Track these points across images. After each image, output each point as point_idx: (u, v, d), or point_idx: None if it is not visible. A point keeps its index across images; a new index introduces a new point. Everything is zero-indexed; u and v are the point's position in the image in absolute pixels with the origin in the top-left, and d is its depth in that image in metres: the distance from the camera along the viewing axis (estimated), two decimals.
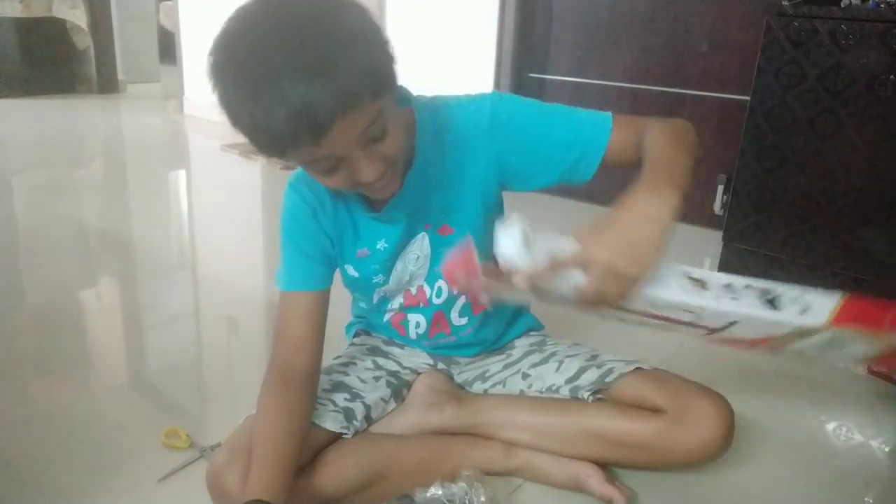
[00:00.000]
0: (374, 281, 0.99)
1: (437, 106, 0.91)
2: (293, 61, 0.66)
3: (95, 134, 3.90)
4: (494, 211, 0.97)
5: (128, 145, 3.66)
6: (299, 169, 0.90)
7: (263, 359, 1.43)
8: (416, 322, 1.03)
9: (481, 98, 0.91)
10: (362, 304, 1.10)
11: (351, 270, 0.98)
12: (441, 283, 0.99)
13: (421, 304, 1.01)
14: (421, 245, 0.97)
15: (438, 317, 1.02)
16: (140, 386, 1.29)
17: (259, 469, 0.79)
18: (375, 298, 1.03)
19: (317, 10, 0.69)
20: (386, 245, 0.95)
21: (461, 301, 1.01)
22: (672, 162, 0.80)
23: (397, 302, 1.03)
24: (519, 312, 1.17)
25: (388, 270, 0.98)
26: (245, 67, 0.69)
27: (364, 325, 1.15)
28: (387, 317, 1.05)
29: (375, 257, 0.96)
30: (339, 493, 0.87)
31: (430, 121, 0.89)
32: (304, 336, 0.92)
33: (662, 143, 0.82)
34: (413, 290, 1.01)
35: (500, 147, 0.89)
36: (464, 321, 1.03)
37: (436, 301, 1.00)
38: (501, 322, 1.11)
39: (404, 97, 0.87)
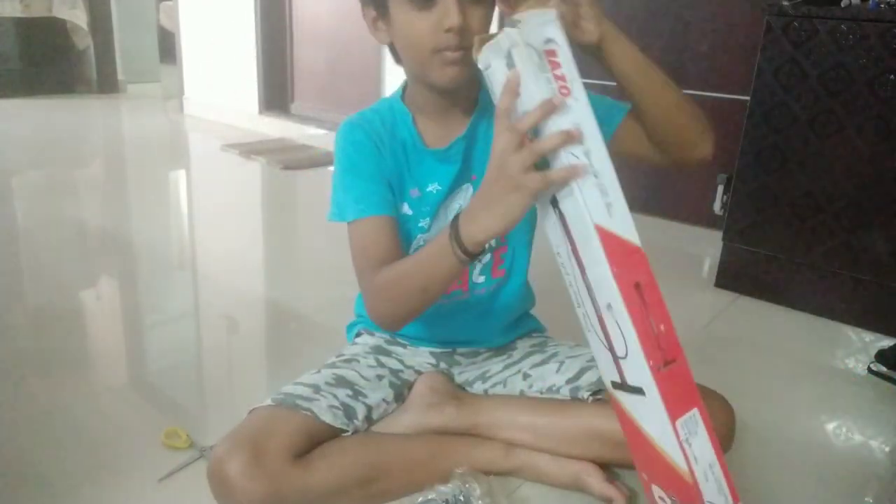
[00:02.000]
0: (420, 224, 1.00)
1: None
2: None
3: (95, 134, 3.90)
4: None
5: (128, 145, 3.66)
6: (350, 117, 0.97)
7: (263, 359, 1.45)
8: None
9: None
10: None
11: (405, 209, 0.99)
12: None
13: None
14: (465, 196, 1.00)
15: (464, 271, 1.03)
16: (140, 386, 1.29)
17: (427, 250, 0.83)
18: (413, 247, 1.02)
19: None
20: (439, 187, 0.98)
21: (485, 259, 1.04)
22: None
23: None
24: (523, 314, 1.17)
25: (433, 215, 1.00)
26: None
27: (366, 325, 1.15)
28: None
29: (426, 199, 0.98)
30: (338, 485, 0.88)
31: None
32: (393, 253, 0.92)
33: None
34: None
35: None
36: (481, 280, 1.05)
37: None
38: (505, 317, 1.12)
39: None
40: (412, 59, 0.91)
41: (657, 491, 0.77)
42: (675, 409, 0.68)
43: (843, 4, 1.47)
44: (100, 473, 1.00)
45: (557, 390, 1.02)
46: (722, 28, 2.14)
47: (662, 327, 0.68)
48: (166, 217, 2.43)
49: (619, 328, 0.69)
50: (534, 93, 0.66)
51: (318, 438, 0.90)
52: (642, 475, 0.79)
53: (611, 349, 0.72)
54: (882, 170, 1.46)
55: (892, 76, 1.41)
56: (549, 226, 0.75)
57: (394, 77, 3.00)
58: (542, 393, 1.04)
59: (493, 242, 1.04)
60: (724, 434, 0.92)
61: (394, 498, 0.92)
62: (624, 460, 0.97)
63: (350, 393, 0.97)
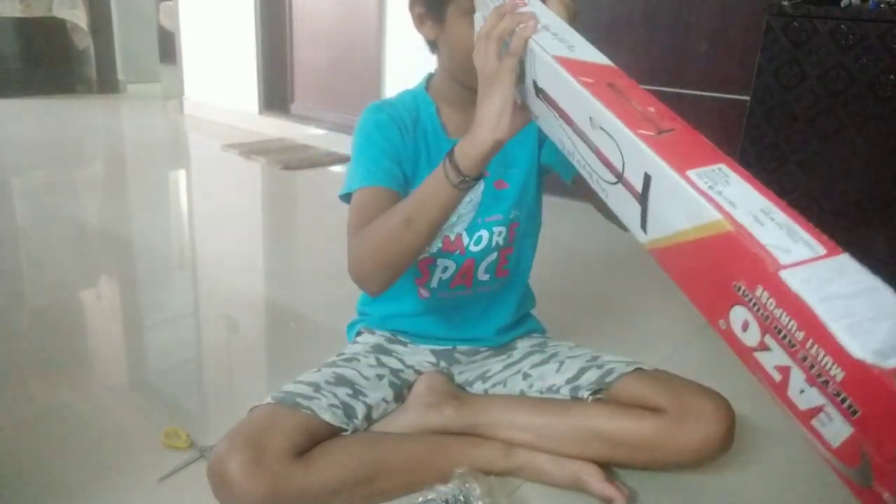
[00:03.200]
0: None
1: None
2: None
3: (95, 134, 3.90)
4: (538, 178, 1.05)
5: (128, 145, 3.66)
6: (376, 103, 1.00)
7: (263, 359, 1.45)
8: (445, 267, 1.05)
9: None
10: None
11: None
12: (481, 232, 1.03)
13: (457, 252, 1.04)
14: (476, 189, 1.00)
15: (467, 266, 1.05)
16: (140, 386, 1.29)
17: (421, 187, 0.82)
18: None
19: None
20: None
21: (492, 258, 1.05)
22: None
23: (435, 246, 1.04)
24: (523, 315, 1.18)
25: None
26: None
27: (367, 323, 1.15)
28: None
29: None
30: (338, 484, 0.88)
31: None
32: None
33: None
34: (451, 237, 1.03)
35: None
36: (486, 278, 1.07)
37: (473, 249, 1.04)
38: (505, 317, 1.13)
39: None
40: (461, 64, 0.91)
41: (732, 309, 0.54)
42: (683, 163, 0.55)
43: (843, 4, 1.47)
44: (100, 473, 1.00)
45: (557, 390, 1.02)
46: (722, 28, 2.14)
47: (652, 109, 0.61)
48: (166, 217, 2.43)
49: (610, 136, 0.59)
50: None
51: (317, 437, 0.90)
52: (703, 308, 0.61)
53: (618, 176, 0.61)
54: (882, 170, 1.46)
55: (892, 76, 1.41)
56: (545, 122, 0.73)
57: (394, 77, 3.00)
58: (541, 393, 1.04)
59: (500, 241, 1.05)
60: (724, 434, 0.92)
61: (393, 497, 0.92)
62: (624, 460, 0.98)
63: (350, 392, 0.97)
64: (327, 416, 0.91)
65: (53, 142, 3.46)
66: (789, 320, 0.47)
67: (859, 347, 0.43)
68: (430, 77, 1.04)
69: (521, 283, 1.13)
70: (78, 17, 4.66)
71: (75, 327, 1.50)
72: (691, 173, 0.54)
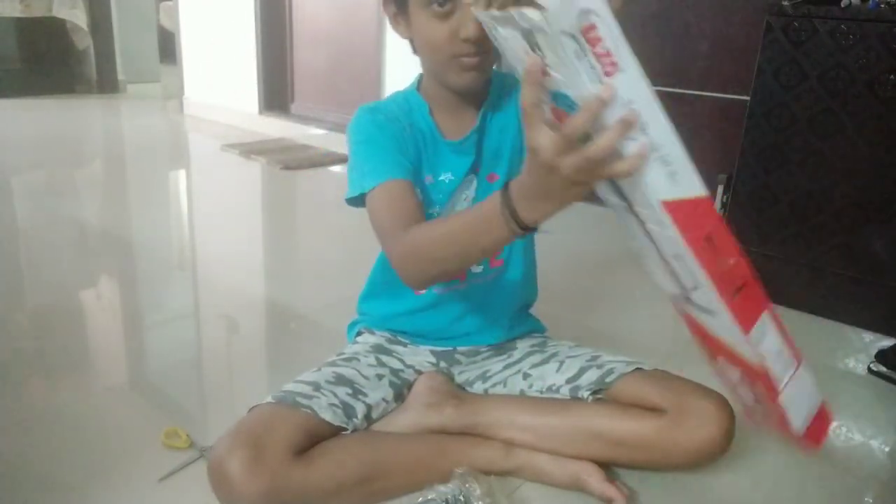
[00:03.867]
0: (430, 212, 1.01)
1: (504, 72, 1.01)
2: None
3: (95, 134, 3.90)
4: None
5: (128, 145, 3.66)
6: (367, 104, 0.99)
7: (263, 359, 1.45)
8: None
9: None
10: None
11: (417, 193, 0.99)
12: None
13: None
14: (470, 186, 1.01)
15: None
16: (140, 386, 1.29)
17: (470, 215, 0.77)
18: None
19: None
20: (451, 177, 1.00)
21: None
22: None
23: None
24: (523, 313, 1.17)
25: (444, 204, 1.01)
26: None
27: (367, 324, 1.15)
28: None
29: (438, 187, 1.00)
30: (338, 483, 0.88)
31: (501, 79, 1.00)
32: (416, 212, 0.89)
33: None
34: None
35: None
36: (479, 269, 1.06)
37: None
38: (504, 309, 1.12)
39: None
40: (430, 60, 0.94)
41: (723, 363, 0.77)
42: (747, 324, 0.68)
43: (843, 4, 1.47)
44: (100, 473, 1.00)
45: (557, 390, 1.02)
46: (722, 28, 2.14)
47: (732, 261, 0.65)
48: (166, 217, 2.43)
49: (690, 270, 0.64)
50: (577, 84, 0.56)
51: (317, 436, 0.90)
52: (708, 351, 0.80)
53: (678, 282, 0.68)
54: (882, 170, 1.46)
55: (892, 76, 1.41)
56: (618, 216, 0.71)
57: (394, 77, 3.00)
58: (541, 392, 1.04)
59: None
60: (724, 435, 0.92)
61: (393, 497, 0.92)
62: (624, 460, 0.98)
63: (350, 391, 0.97)
64: (327, 416, 0.91)
65: (53, 142, 3.45)
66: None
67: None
68: (420, 77, 1.03)
69: (519, 273, 1.11)
70: (78, 17, 4.66)
71: (75, 327, 1.50)
72: (750, 334, 0.70)
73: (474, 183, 1.02)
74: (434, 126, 1.00)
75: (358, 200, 0.94)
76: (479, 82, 0.92)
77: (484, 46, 0.85)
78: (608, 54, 0.57)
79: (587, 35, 0.56)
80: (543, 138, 0.59)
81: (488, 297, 1.10)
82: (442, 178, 1.00)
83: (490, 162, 1.02)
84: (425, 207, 1.00)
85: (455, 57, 0.88)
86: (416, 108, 1.00)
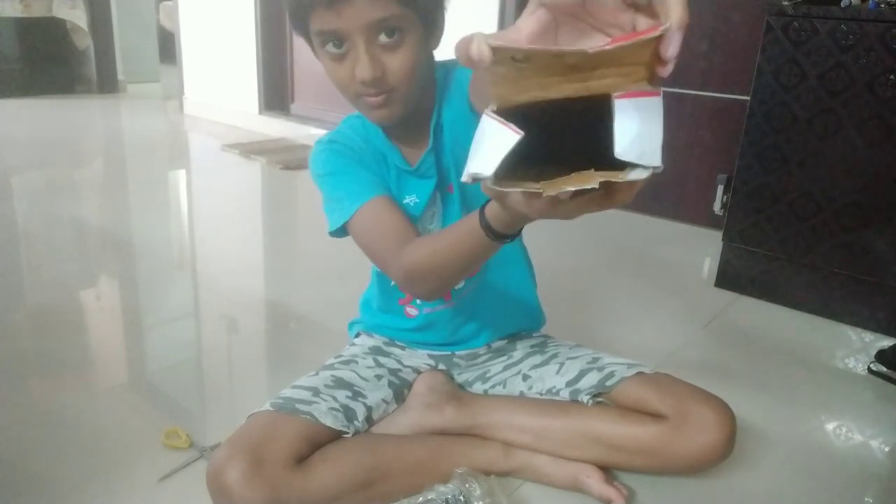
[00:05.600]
0: None
1: (454, 65, 0.93)
2: None
3: (95, 134, 3.90)
4: None
5: (128, 145, 3.66)
6: (325, 136, 0.97)
7: (263, 359, 1.45)
8: None
9: None
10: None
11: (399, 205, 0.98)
12: None
13: None
14: (438, 205, 0.99)
15: None
16: (140, 386, 1.29)
17: (455, 229, 0.78)
18: None
19: None
20: (416, 200, 0.98)
21: None
22: None
23: None
24: (519, 306, 1.16)
25: (415, 224, 0.97)
26: None
27: (365, 327, 1.15)
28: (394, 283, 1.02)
29: (405, 209, 0.96)
30: (339, 489, 0.87)
31: (447, 81, 0.94)
32: (405, 226, 0.89)
33: None
34: None
35: None
36: (461, 284, 1.03)
37: None
38: (499, 310, 1.10)
39: (430, 57, 0.90)
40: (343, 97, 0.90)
41: None
42: None
43: (843, 4, 1.47)
44: (100, 473, 1.00)
45: (557, 392, 1.02)
46: (722, 28, 2.14)
47: None
48: (166, 217, 2.43)
49: None
50: None
51: (318, 442, 0.89)
52: None
53: None
54: (882, 170, 1.46)
55: (892, 76, 1.41)
56: None
57: None
58: (541, 394, 1.03)
59: None
60: (725, 442, 0.92)
61: (394, 499, 0.92)
62: (623, 464, 0.98)
63: (349, 394, 0.97)
64: (328, 420, 0.91)
65: (53, 142, 3.46)
66: None
67: None
68: None
69: (501, 272, 1.07)
70: (78, 17, 4.66)
71: (75, 327, 1.50)
72: None
73: (438, 196, 0.99)
74: (394, 150, 0.96)
75: (342, 231, 0.94)
76: (392, 117, 0.87)
77: (386, 86, 0.82)
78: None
79: None
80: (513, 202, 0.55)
81: (477, 304, 1.07)
82: (407, 201, 0.97)
83: (448, 172, 0.98)
84: None
85: (359, 96, 0.84)
86: (373, 133, 0.96)
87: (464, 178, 0.51)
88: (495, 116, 0.48)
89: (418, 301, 1.06)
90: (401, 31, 0.80)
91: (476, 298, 1.07)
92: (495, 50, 0.44)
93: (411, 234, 0.89)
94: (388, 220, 0.89)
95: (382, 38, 0.79)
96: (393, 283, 1.03)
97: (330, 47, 0.82)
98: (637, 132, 0.45)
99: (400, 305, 1.08)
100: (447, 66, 0.94)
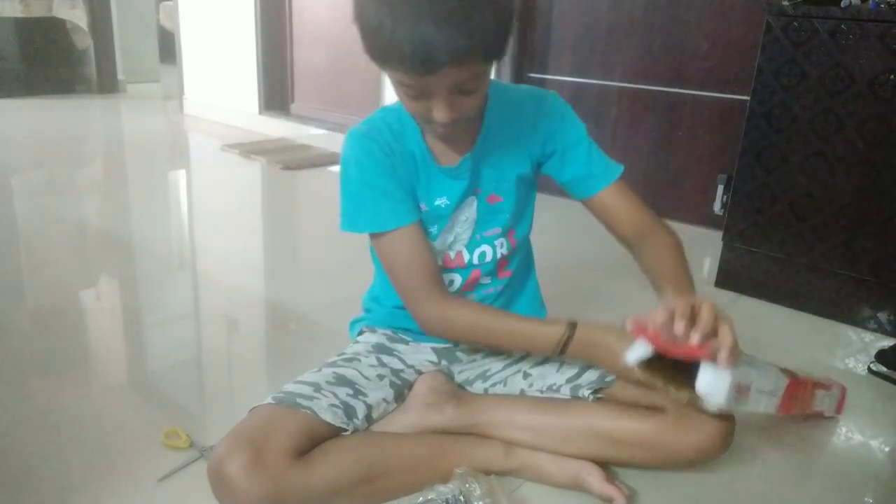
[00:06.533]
0: (430, 231, 1.01)
1: (506, 87, 1.05)
2: None
3: (95, 134, 3.90)
4: (529, 188, 1.07)
5: (128, 145, 3.66)
6: (363, 123, 0.99)
7: (263, 359, 1.45)
8: (451, 280, 1.05)
9: (544, 90, 1.06)
10: None
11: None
12: (483, 248, 1.05)
13: (458, 268, 1.05)
14: (470, 207, 1.02)
15: (474, 277, 1.06)
16: (140, 386, 1.29)
17: (532, 329, 0.95)
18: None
19: None
20: (447, 202, 1.00)
21: (491, 260, 1.06)
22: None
23: (439, 261, 1.04)
24: (525, 301, 1.17)
25: (442, 225, 1.02)
26: None
27: (370, 322, 1.15)
28: None
29: (433, 211, 1.00)
30: (339, 485, 0.88)
31: (499, 96, 1.00)
32: (433, 260, 0.98)
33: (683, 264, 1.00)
34: (452, 255, 1.04)
35: (550, 131, 1.02)
36: (487, 281, 1.07)
37: (476, 263, 1.05)
38: (511, 308, 1.13)
39: None
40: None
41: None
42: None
43: (843, 4, 1.47)
44: (100, 473, 1.00)
45: (558, 389, 1.02)
46: (722, 28, 2.14)
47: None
48: (166, 217, 2.43)
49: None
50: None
51: (318, 437, 0.90)
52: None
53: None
54: (882, 170, 1.46)
55: (892, 76, 1.41)
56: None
57: None
58: (542, 392, 1.04)
59: (503, 252, 1.07)
60: (723, 435, 0.92)
61: (394, 497, 0.92)
62: (623, 459, 0.98)
63: (350, 392, 0.97)
64: (328, 417, 0.91)
65: (53, 142, 3.46)
66: None
67: None
68: None
69: (523, 279, 1.14)
70: (78, 17, 4.66)
71: (75, 327, 1.50)
72: None
73: (474, 204, 1.02)
74: (426, 151, 0.98)
75: (358, 230, 0.98)
76: (456, 137, 0.95)
77: (461, 118, 0.86)
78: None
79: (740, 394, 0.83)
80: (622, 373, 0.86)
81: (497, 298, 1.10)
82: (438, 202, 1.00)
83: (491, 184, 1.02)
84: (426, 228, 1.01)
85: (428, 123, 0.89)
86: (408, 131, 0.98)
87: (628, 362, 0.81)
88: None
89: None
90: (479, 80, 0.84)
91: (496, 297, 1.09)
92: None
93: (437, 270, 0.98)
94: (421, 254, 0.96)
95: (464, 87, 0.83)
96: None
97: (407, 91, 0.84)
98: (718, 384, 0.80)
99: None
100: (500, 84, 1.02)
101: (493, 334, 0.96)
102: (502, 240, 1.06)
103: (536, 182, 1.09)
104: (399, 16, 0.74)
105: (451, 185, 1.00)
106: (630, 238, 1.02)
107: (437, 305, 0.96)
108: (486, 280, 1.07)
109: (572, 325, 0.92)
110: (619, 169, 1.03)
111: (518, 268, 1.12)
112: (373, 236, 0.99)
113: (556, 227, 2.11)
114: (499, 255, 1.06)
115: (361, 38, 0.81)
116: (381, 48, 0.78)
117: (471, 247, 1.04)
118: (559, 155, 1.03)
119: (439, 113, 0.84)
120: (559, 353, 0.92)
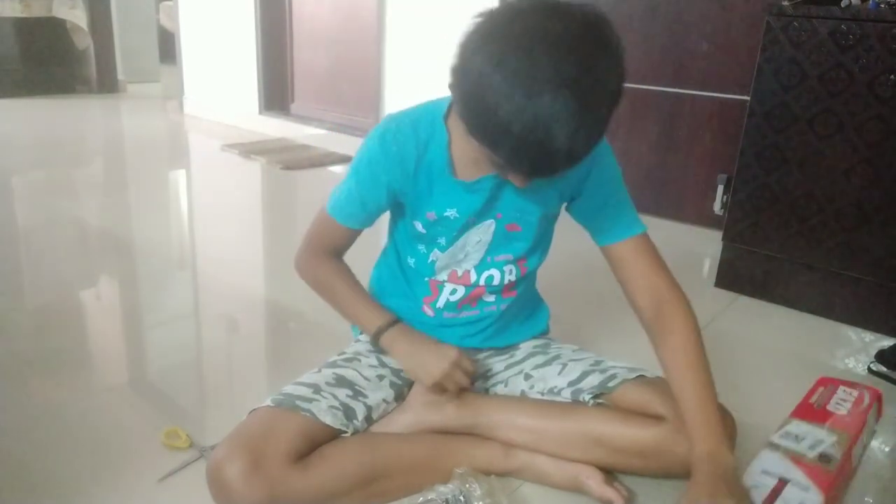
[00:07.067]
0: (439, 241, 1.01)
1: None
2: (573, 98, 0.69)
3: (95, 134, 3.91)
4: (550, 223, 1.06)
5: (128, 145, 3.66)
6: (394, 120, 0.96)
7: (263, 359, 1.45)
8: (453, 289, 1.05)
9: None
10: (411, 261, 1.06)
11: (418, 226, 1.00)
12: (491, 271, 1.03)
13: (462, 285, 1.04)
14: (487, 230, 1.00)
15: (477, 293, 1.05)
16: (140, 386, 1.29)
17: (364, 306, 1.04)
18: (431, 258, 1.03)
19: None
20: (457, 215, 0.98)
21: (498, 284, 1.05)
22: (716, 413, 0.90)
23: (444, 274, 1.04)
24: (532, 315, 1.16)
25: (452, 239, 1.00)
26: (535, 86, 0.69)
27: None
28: (427, 277, 1.05)
29: (442, 223, 0.99)
30: (338, 487, 0.87)
31: None
32: (332, 249, 1.08)
33: (705, 382, 0.92)
34: (459, 273, 1.03)
35: (587, 172, 0.98)
36: (491, 298, 1.06)
37: (481, 284, 1.04)
38: (515, 319, 1.12)
39: None
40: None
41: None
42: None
43: (843, 4, 1.47)
44: (100, 473, 1.00)
45: (559, 392, 1.02)
46: (722, 28, 2.14)
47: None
48: (166, 217, 2.43)
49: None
50: None
51: (317, 439, 0.89)
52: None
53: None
54: (882, 170, 1.46)
55: (892, 76, 1.41)
56: None
57: (394, 78, 3.00)
58: (542, 394, 1.03)
59: (511, 277, 1.05)
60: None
61: (394, 498, 0.92)
62: (623, 466, 0.97)
63: (350, 393, 0.97)
64: (327, 419, 0.91)
65: (53, 142, 3.46)
66: None
67: None
68: (451, 105, 0.94)
69: (526, 295, 1.12)
70: (78, 17, 4.66)
71: (75, 327, 1.50)
72: None
73: (492, 229, 1.00)
74: (447, 161, 0.94)
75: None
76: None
77: None
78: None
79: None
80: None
81: (498, 319, 1.09)
82: (447, 213, 0.97)
83: (513, 213, 0.99)
84: (431, 238, 1.01)
85: (502, 173, 0.86)
86: (436, 138, 0.94)
87: None
88: None
89: (438, 305, 1.06)
90: None
91: (501, 313, 1.08)
92: None
93: (339, 252, 1.08)
94: (336, 241, 1.06)
95: None
96: (426, 278, 1.05)
97: (494, 164, 0.82)
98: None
99: (421, 301, 1.08)
100: None
101: (336, 297, 1.07)
102: (512, 267, 1.04)
103: (559, 215, 1.07)
104: (532, 116, 0.69)
105: (465, 198, 0.97)
106: (646, 309, 0.98)
107: (314, 258, 1.08)
108: (490, 298, 1.06)
109: (393, 322, 1.01)
110: (643, 228, 1.01)
111: (524, 291, 1.10)
112: (326, 212, 1.04)
113: (560, 230, 2.10)
114: (506, 281, 1.04)
115: (460, 101, 0.76)
116: (496, 139, 0.74)
117: (479, 269, 1.03)
118: (589, 197, 1.01)
119: (517, 182, 0.83)
120: (375, 340, 1.02)
